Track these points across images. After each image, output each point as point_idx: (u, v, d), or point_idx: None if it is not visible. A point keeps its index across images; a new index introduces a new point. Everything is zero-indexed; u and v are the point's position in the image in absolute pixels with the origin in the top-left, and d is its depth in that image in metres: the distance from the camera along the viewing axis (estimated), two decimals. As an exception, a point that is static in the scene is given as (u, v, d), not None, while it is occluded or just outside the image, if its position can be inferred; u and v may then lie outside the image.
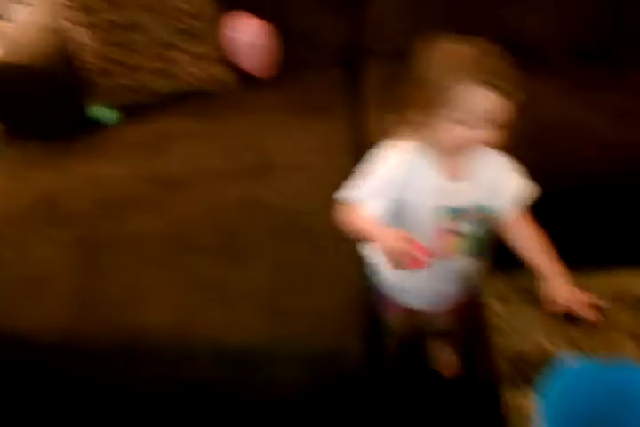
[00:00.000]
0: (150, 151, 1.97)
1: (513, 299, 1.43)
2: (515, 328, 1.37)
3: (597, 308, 1.32)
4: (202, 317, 1.54)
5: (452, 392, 1.82)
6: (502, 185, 1.39)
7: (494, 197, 1.38)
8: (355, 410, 1.64)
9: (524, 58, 2.20)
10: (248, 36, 2.20)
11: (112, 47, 2.06)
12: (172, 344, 1.52)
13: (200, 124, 2.07)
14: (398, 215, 1.35)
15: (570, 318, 1.34)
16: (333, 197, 1.43)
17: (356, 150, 2.00)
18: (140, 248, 1.68)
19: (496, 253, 1.49)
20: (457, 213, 1.37)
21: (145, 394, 1.62)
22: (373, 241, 1.28)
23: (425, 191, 1.34)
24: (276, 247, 1.67)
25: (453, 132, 1.23)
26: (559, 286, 1.31)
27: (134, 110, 2.12)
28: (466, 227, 1.40)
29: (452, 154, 1.32)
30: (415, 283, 1.51)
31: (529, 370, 1.29)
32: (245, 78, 2.24)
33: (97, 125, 2.09)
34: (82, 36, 2.05)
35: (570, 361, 1.13)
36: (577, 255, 1.43)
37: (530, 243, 1.39)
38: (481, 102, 1.18)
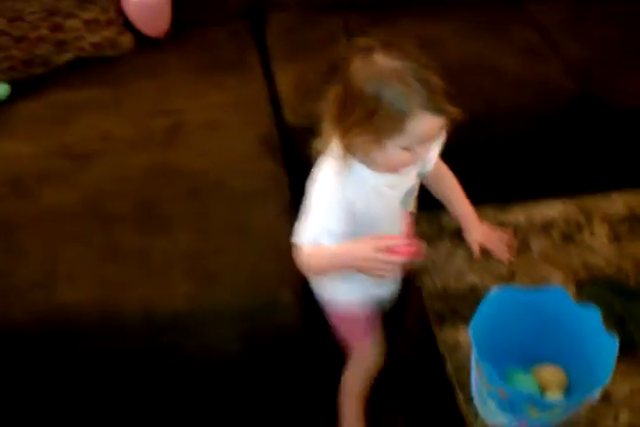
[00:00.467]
0: (54, 124, 1.89)
1: (439, 239, 1.46)
2: (442, 269, 1.41)
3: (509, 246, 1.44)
4: (128, 288, 1.51)
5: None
6: None
7: (427, 161, 1.36)
8: (292, 365, 1.65)
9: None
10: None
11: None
12: (100, 319, 1.50)
13: (102, 91, 2.00)
14: (360, 223, 1.27)
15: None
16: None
17: (270, 103, 1.99)
18: (56, 225, 1.62)
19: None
20: (410, 193, 1.35)
21: (79, 371, 1.59)
22: (349, 263, 1.21)
23: (379, 194, 1.28)
24: (197, 210, 1.65)
25: (398, 156, 1.18)
26: (476, 228, 1.44)
27: (29, 84, 2.03)
28: (412, 197, 1.39)
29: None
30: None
31: (460, 307, 1.33)
32: (141, 40, 2.17)
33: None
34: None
35: (495, 291, 1.17)
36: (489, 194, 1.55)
37: (449, 191, 1.46)
38: (430, 128, 1.14)
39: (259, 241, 1.59)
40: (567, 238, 1.45)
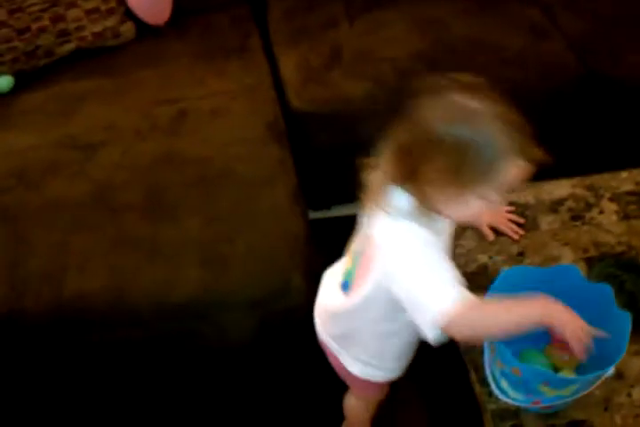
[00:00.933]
0: (59, 115, 1.89)
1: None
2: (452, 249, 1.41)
3: (518, 223, 1.43)
4: (139, 276, 1.52)
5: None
6: None
7: None
8: (302, 347, 1.66)
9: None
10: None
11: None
12: (112, 308, 1.50)
13: (106, 81, 2.00)
14: None
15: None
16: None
17: (274, 88, 1.98)
18: (65, 215, 1.63)
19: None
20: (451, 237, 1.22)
21: (92, 360, 1.60)
22: (544, 321, 1.01)
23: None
24: (205, 197, 1.65)
25: (475, 206, 1.03)
26: None
27: (32, 75, 2.03)
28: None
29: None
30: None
31: (470, 287, 1.32)
32: (143, 29, 2.16)
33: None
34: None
35: (506, 270, 1.17)
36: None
37: None
38: (516, 176, 1.00)
39: (267, 226, 1.59)
40: (576, 217, 1.45)
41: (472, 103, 0.97)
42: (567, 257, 1.37)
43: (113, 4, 2.08)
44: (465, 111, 0.97)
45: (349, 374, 1.34)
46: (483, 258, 1.39)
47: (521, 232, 1.42)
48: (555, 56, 1.99)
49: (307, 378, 1.73)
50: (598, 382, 1.09)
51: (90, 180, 1.70)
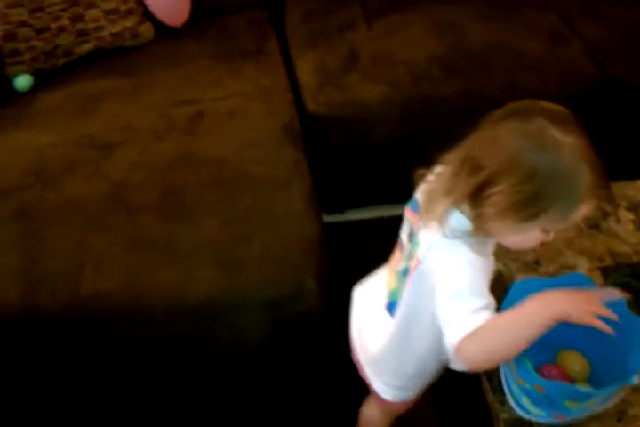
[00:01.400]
0: (77, 114, 1.90)
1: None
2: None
3: None
4: (155, 277, 1.52)
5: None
6: None
7: None
8: (316, 349, 1.66)
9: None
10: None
11: (14, 9, 1.95)
12: (127, 308, 1.51)
13: (124, 80, 2.01)
14: None
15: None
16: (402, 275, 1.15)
17: (290, 90, 1.98)
18: (82, 214, 1.64)
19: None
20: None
21: (107, 359, 1.60)
22: (547, 322, 0.97)
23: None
24: (221, 198, 1.66)
25: (536, 237, 1.01)
26: None
27: (51, 75, 2.04)
28: None
29: None
30: None
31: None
32: (161, 29, 2.17)
33: (14, 94, 2.00)
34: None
35: (520, 280, 1.16)
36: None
37: None
38: (585, 213, 0.98)
39: (282, 228, 1.59)
40: (593, 225, 1.44)
41: (560, 135, 0.94)
42: (583, 266, 1.37)
43: (132, 5, 2.09)
44: (552, 141, 0.94)
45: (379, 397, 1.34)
46: (497, 266, 1.38)
47: None
48: (573, 62, 1.99)
49: (320, 382, 1.73)
50: (620, 392, 1.09)
51: (107, 179, 1.71)
